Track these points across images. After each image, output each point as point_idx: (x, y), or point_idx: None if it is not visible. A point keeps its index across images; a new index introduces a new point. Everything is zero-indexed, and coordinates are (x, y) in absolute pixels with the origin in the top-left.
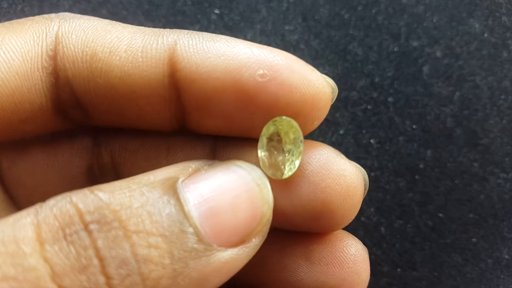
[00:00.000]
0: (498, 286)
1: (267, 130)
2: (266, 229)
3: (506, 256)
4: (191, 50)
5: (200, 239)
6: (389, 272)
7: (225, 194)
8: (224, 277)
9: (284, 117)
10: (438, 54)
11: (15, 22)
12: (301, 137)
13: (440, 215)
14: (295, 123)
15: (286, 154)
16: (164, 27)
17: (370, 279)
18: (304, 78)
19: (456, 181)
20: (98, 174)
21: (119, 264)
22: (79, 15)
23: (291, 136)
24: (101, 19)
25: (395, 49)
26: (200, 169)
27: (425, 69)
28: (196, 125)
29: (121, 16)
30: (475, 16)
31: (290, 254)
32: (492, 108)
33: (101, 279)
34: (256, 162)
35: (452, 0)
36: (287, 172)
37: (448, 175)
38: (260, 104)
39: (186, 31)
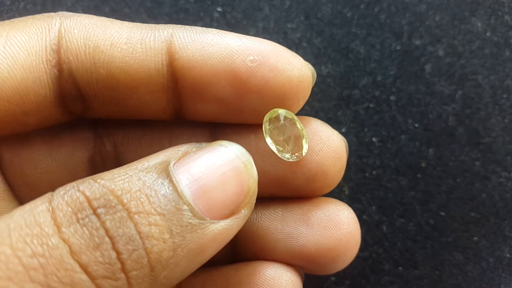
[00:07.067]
0: (500, 284)
1: (269, 116)
2: (253, 200)
3: (508, 255)
4: (187, 41)
5: (194, 214)
6: (390, 271)
7: (213, 173)
8: (219, 246)
9: (282, 109)
10: (440, 52)
11: (16, 20)
12: (302, 127)
13: (442, 213)
14: (293, 116)
15: (293, 139)
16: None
17: (372, 278)
18: (289, 63)
19: (458, 180)
20: (100, 164)
21: (127, 240)
22: (77, 14)
23: (292, 126)
24: (99, 17)
25: (397, 48)
26: (189, 151)
27: (427, 67)
28: (192, 112)
29: (124, 13)
30: (477, 15)
31: (290, 222)
32: (494, 107)
33: (113, 254)
34: (255, 145)
35: None
36: (303, 152)
37: (450, 174)
38: (251, 87)
39: (180, 25)
